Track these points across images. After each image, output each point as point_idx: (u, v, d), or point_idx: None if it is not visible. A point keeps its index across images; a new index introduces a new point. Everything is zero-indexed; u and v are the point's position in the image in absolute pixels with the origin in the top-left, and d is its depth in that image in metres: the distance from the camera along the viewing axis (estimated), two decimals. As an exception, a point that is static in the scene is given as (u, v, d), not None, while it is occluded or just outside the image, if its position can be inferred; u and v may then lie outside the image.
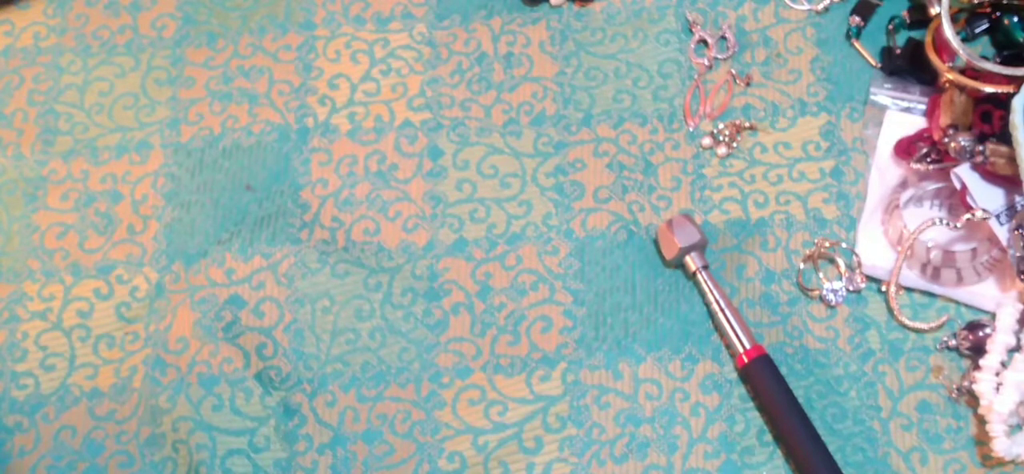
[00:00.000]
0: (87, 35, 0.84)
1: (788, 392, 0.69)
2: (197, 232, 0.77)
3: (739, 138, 0.78)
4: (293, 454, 0.71)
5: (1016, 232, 0.70)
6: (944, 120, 0.73)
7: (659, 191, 0.77)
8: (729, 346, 0.72)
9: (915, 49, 0.78)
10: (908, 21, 0.79)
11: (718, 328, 0.72)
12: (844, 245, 0.74)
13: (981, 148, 0.71)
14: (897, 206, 0.73)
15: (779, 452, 0.70)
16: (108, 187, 0.79)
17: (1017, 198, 0.71)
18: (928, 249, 0.72)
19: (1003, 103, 0.72)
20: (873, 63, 0.79)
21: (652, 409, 0.71)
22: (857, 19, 0.80)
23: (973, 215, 0.70)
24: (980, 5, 0.78)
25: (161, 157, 0.80)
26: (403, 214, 0.77)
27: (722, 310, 0.72)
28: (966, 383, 0.69)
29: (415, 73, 0.81)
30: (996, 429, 0.67)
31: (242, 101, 0.81)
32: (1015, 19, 0.77)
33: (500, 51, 0.81)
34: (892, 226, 0.73)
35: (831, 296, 0.73)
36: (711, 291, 0.72)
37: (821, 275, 0.74)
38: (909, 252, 0.72)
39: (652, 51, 0.81)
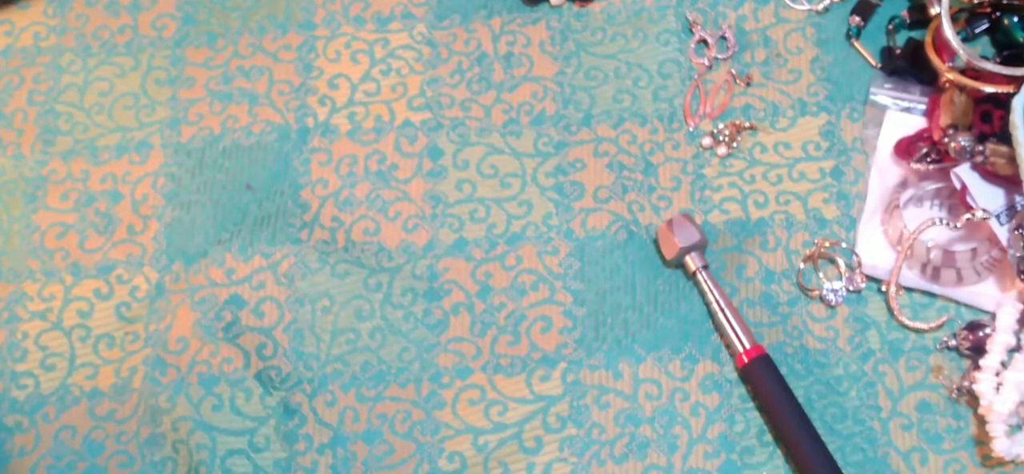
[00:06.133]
0: (87, 35, 0.84)
1: (788, 392, 0.69)
2: (197, 232, 0.77)
3: (739, 138, 0.78)
4: (293, 454, 0.71)
5: (1016, 232, 0.70)
6: (944, 120, 0.73)
7: (659, 191, 0.77)
8: (729, 346, 0.72)
9: (915, 49, 0.78)
10: (908, 21, 0.79)
11: (718, 328, 0.72)
12: (844, 245, 0.74)
13: (981, 148, 0.71)
14: (897, 206, 0.73)
15: (779, 452, 0.70)
16: (108, 187, 0.79)
17: (1017, 198, 0.71)
18: (928, 249, 0.72)
19: (1003, 103, 0.71)
20: (873, 63, 0.79)
21: (652, 409, 0.71)
22: (857, 19, 0.80)
23: (973, 215, 0.70)
24: (980, 5, 0.78)
25: (161, 157, 0.79)
26: (403, 214, 0.77)
27: (722, 310, 0.72)
28: (966, 383, 0.69)
29: (415, 73, 0.81)
30: (996, 429, 0.67)
31: (242, 101, 0.81)
32: (1015, 19, 0.77)
33: (500, 51, 0.81)
34: (892, 226, 0.73)
35: (831, 296, 0.73)
36: (711, 291, 0.72)
37: (821, 275, 0.74)
38: (909, 252, 0.72)
39: (652, 51, 0.81)
